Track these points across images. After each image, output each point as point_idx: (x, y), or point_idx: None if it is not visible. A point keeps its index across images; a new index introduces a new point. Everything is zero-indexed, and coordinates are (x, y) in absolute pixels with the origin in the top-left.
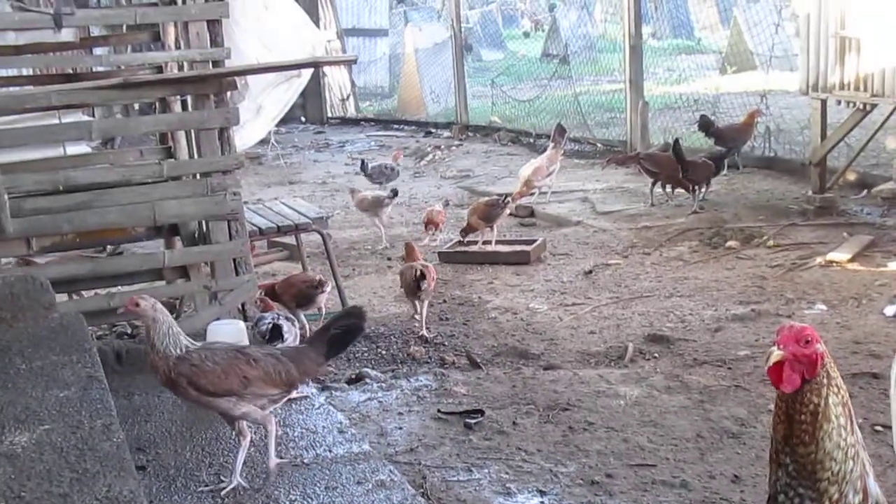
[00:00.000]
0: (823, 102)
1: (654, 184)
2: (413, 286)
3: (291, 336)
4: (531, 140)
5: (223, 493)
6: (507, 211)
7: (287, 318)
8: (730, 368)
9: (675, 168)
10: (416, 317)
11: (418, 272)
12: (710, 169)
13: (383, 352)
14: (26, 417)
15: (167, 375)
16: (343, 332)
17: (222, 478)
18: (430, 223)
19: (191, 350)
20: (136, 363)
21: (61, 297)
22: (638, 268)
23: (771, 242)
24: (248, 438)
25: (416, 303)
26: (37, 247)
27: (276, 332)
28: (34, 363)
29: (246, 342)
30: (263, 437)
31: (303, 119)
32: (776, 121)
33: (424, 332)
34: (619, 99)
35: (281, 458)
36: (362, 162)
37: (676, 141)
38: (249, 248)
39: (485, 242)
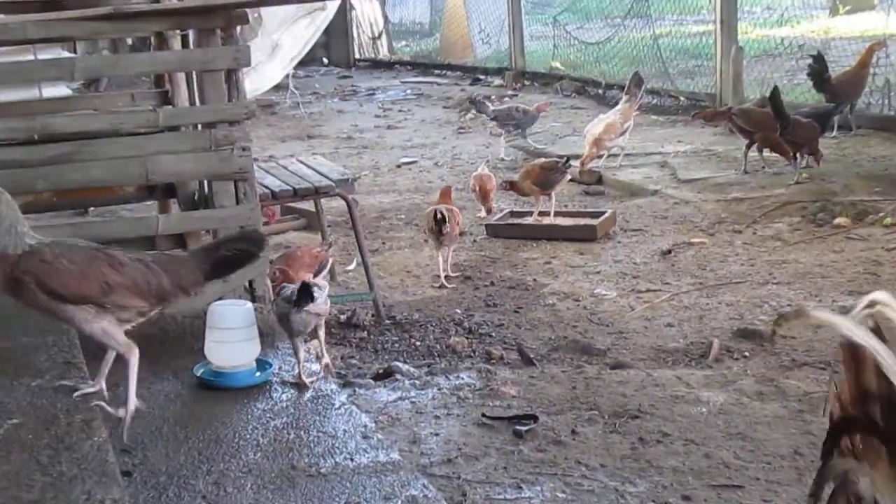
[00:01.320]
0: None
1: (748, 146)
2: (435, 230)
3: (322, 299)
4: (600, 91)
5: (124, 426)
6: (568, 176)
7: (316, 285)
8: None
9: (773, 127)
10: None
11: (439, 215)
12: (816, 130)
13: (417, 343)
14: None
15: (8, 275)
16: (234, 255)
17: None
18: (483, 191)
19: (41, 244)
20: None
21: None
22: (726, 248)
23: (888, 220)
24: (136, 354)
25: (438, 249)
26: None
27: (305, 291)
28: (1, 345)
29: (255, 325)
30: (272, 442)
31: (325, 61)
32: None
33: (443, 279)
34: (708, 44)
35: (139, 401)
36: (473, 100)
37: (775, 89)
38: (269, 215)
39: (541, 214)
